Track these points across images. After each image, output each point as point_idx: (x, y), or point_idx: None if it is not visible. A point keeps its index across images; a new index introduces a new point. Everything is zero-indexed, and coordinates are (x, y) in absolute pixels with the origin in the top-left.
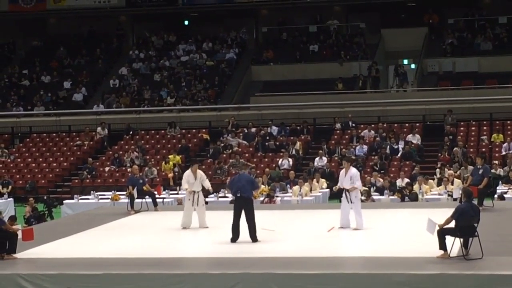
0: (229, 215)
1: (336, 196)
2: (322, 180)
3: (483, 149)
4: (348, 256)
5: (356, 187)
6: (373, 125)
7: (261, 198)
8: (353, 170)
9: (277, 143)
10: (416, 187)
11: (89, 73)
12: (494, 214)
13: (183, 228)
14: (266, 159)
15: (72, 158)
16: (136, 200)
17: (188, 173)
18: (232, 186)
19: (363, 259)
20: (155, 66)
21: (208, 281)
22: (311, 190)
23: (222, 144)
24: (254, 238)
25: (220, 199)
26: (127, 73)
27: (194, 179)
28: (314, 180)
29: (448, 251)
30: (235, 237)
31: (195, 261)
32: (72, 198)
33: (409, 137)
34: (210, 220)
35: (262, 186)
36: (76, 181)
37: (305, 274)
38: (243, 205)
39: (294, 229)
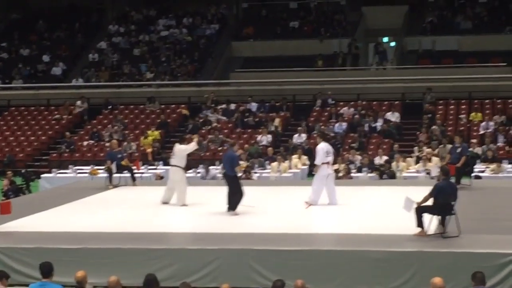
0: (208, 190)
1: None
2: (304, 157)
3: (462, 128)
4: (326, 233)
5: (316, 164)
6: (352, 103)
7: (239, 174)
8: (318, 146)
9: (256, 120)
10: (394, 164)
11: (68, 47)
12: (471, 192)
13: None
14: (245, 135)
15: (50, 132)
16: (115, 175)
17: (184, 146)
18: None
19: (341, 236)
20: (134, 40)
21: (186, 256)
22: (290, 167)
23: (201, 120)
24: (230, 208)
25: (198, 174)
26: (107, 47)
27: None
28: (295, 156)
29: (426, 228)
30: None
31: (174, 236)
32: (50, 172)
33: (388, 115)
34: (191, 196)
35: (241, 162)
36: (55, 155)
37: (283, 250)
38: (228, 181)
39: (273, 205)
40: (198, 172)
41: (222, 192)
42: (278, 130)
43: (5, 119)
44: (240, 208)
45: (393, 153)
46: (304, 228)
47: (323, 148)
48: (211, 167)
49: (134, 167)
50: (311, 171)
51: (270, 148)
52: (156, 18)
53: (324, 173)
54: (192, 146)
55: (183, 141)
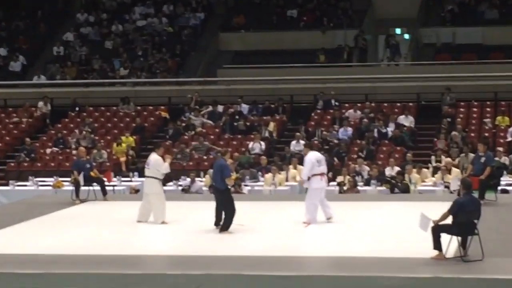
0: (192, 206)
1: None
2: (300, 167)
3: (486, 134)
4: (328, 256)
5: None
6: (359, 105)
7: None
8: (305, 157)
9: (248, 124)
10: (407, 176)
11: (29, 39)
12: (497, 209)
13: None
14: (235, 142)
15: (7, 138)
16: (82, 188)
17: (160, 159)
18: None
19: (345, 259)
20: (106, 31)
21: (166, 283)
22: (286, 179)
23: (184, 124)
24: (223, 229)
25: (179, 187)
26: (74, 39)
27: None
28: (292, 167)
29: (444, 251)
30: (216, 221)
31: (151, 260)
32: (8, 185)
33: (401, 118)
34: (171, 212)
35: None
36: (12, 164)
37: (278, 276)
38: (218, 196)
39: (266, 223)
40: (180, 185)
41: (207, 208)
42: (273, 136)
43: None
44: (231, 226)
45: (407, 163)
46: (303, 251)
47: (311, 159)
48: (197, 179)
49: (105, 179)
50: None
51: (263, 157)
52: (132, 5)
53: (317, 185)
54: (165, 168)
55: (158, 148)
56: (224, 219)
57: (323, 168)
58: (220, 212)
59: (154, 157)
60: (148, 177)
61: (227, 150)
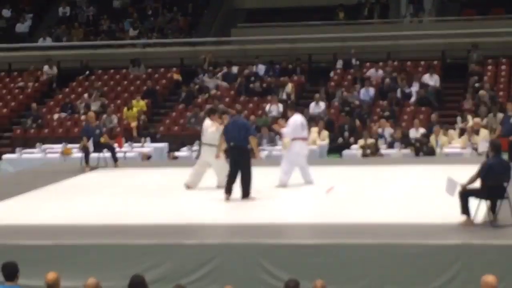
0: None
1: (335, 150)
2: (325, 132)
3: None
4: (350, 223)
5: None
6: (381, 63)
7: None
8: (290, 119)
9: (264, 85)
10: (432, 138)
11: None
12: None
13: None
14: (251, 105)
15: (13, 103)
16: (92, 155)
17: (211, 123)
18: (226, 134)
19: (370, 227)
20: None
21: (179, 253)
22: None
23: (197, 86)
24: (245, 194)
25: (193, 153)
26: None
27: None
28: (314, 129)
29: (472, 216)
30: (226, 188)
31: (164, 229)
32: (14, 152)
33: (425, 77)
34: (184, 178)
35: None
36: (18, 131)
37: (301, 245)
38: (237, 156)
39: (286, 190)
40: (195, 151)
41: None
42: (291, 98)
43: None
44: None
45: (432, 125)
46: (325, 218)
47: (296, 121)
48: None
49: (115, 145)
50: (335, 147)
51: (281, 120)
52: None
53: (298, 150)
54: (215, 128)
55: (211, 113)
56: (243, 185)
57: (306, 133)
58: (233, 178)
59: (206, 123)
60: (204, 144)
61: (227, 110)
